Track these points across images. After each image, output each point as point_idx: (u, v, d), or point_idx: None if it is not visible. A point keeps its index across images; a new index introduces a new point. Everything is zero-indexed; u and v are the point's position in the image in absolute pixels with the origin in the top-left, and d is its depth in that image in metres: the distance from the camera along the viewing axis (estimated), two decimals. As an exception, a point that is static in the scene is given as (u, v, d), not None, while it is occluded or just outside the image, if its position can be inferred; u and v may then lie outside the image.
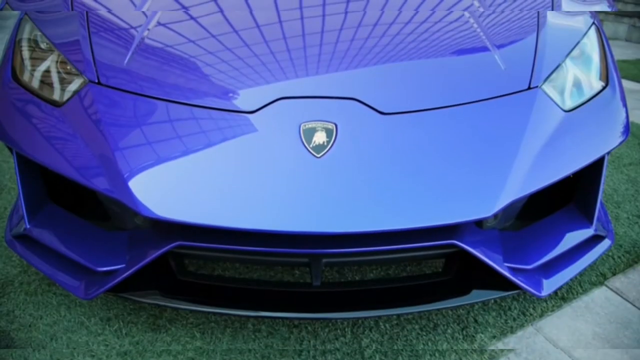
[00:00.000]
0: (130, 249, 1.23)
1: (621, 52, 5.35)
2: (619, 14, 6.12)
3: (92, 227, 1.33)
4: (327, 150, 1.10)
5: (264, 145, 1.11)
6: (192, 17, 1.43)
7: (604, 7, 1.66)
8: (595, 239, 1.43)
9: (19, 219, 1.39)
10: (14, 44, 1.43)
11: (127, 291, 1.23)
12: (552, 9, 1.55)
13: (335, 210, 1.04)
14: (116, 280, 1.17)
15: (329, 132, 1.12)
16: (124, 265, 1.19)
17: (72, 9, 1.41)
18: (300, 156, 1.09)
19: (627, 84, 4.04)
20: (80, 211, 1.41)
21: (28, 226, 1.32)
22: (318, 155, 1.09)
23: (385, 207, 1.05)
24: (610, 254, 1.74)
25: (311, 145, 1.11)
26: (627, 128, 1.40)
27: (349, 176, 1.08)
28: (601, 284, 1.61)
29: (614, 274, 1.65)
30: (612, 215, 2.01)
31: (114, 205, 1.26)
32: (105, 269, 1.21)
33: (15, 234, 1.38)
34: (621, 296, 1.56)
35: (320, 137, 1.12)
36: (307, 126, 1.13)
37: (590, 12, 1.60)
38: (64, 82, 1.29)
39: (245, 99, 1.19)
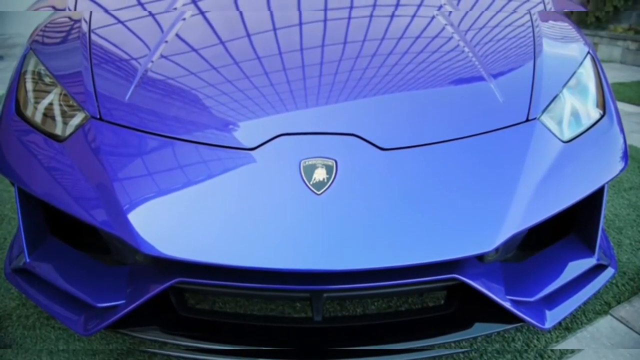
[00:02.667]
0: (130, 284, 1.22)
1: (617, 74, 5.42)
2: (613, 37, 6.23)
3: (92, 262, 1.32)
4: (327, 187, 1.10)
5: (265, 182, 1.12)
6: (194, 49, 1.45)
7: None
8: (598, 268, 1.42)
9: (19, 251, 1.39)
10: (18, 77, 1.45)
11: (126, 327, 1.21)
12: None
13: (336, 247, 1.04)
14: (116, 317, 1.16)
15: (329, 169, 1.13)
16: (124, 301, 1.18)
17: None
18: (300, 193, 1.09)
19: (624, 106, 4.06)
20: (81, 244, 1.41)
21: (28, 260, 1.31)
22: (318, 193, 1.10)
23: (386, 243, 1.05)
24: (614, 281, 1.72)
25: (311, 182, 1.11)
26: (626, 156, 1.41)
27: (350, 213, 1.08)
28: (606, 313, 1.59)
29: (618, 303, 1.63)
30: (615, 241, 1.99)
31: (114, 241, 1.26)
32: (105, 304, 1.20)
33: (15, 267, 1.38)
34: (627, 325, 1.54)
35: (320, 174, 1.12)
36: (307, 163, 1.14)
37: (585, 40, 1.63)
38: (66, 117, 1.30)
39: (246, 135, 1.20)
